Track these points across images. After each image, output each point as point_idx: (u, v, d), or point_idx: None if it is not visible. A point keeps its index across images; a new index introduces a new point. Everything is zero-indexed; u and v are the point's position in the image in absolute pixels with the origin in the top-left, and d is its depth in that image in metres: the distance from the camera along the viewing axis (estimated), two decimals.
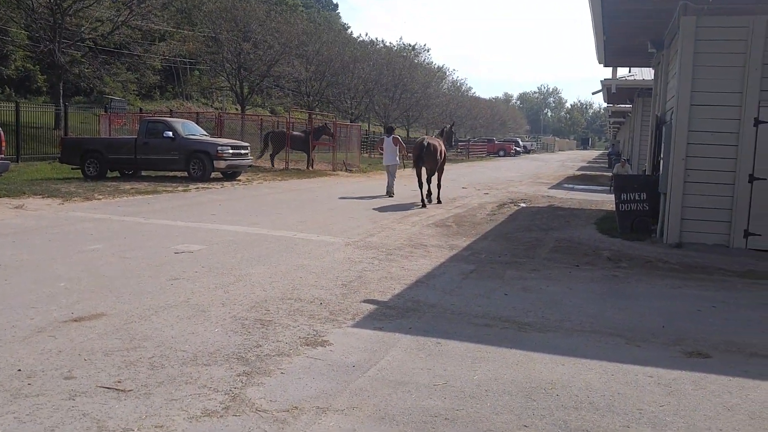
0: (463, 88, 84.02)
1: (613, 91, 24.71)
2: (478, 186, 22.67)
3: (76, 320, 5.56)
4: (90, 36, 32.43)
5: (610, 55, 16.30)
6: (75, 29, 31.56)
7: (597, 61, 16.97)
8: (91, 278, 7.10)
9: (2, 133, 14.15)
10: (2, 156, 14.08)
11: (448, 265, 8.56)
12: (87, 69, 34.64)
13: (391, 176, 18.05)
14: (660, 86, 13.81)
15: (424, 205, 15.44)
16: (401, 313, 6.13)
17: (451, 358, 4.95)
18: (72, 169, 20.27)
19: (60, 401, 3.97)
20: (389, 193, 17.61)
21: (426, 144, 15.77)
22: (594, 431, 3.82)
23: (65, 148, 20.51)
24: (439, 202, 16.31)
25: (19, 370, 4.43)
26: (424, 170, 15.83)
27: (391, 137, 18.33)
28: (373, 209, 14.47)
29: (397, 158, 18.56)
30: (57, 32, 30.04)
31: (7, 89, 37.92)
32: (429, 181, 16.02)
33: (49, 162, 23.88)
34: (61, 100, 30.89)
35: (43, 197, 14.20)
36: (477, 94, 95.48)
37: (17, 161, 23.09)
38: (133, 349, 4.89)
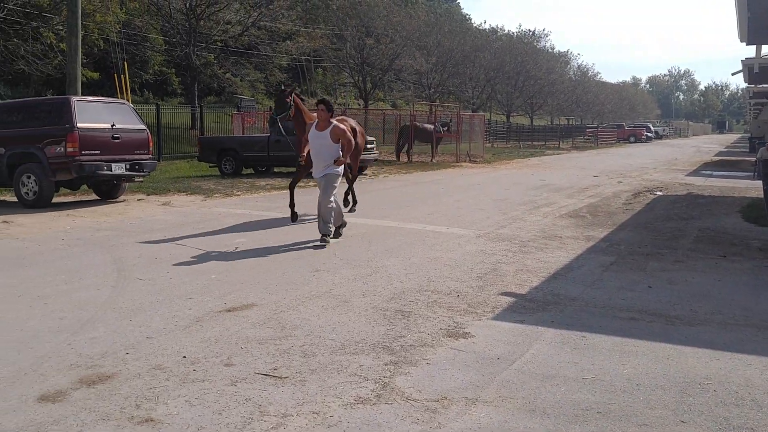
0: (590, 73, 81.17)
1: (755, 70, 22.99)
2: (610, 174, 21.88)
3: (229, 310, 5.90)
4: (221, 38, 34.02)
5: (753, 32, 15.20)
6: (208, 32, 33.21)
7: (738, 40, 15.84)
8: (239, 270, 7.51)
9: (149, 134, 15.15)
10: (150, 156, 15.07)
11: (585, 257, 8.34)
12: (219, 70, 36.39)
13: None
14: None
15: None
16: (541, 306, 6.06)
17: (598, 352, 4.85)
18: (209, 166, 21.35)
19: (223, 387, 4.23)
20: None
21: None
22: (760, 430, 3.63)
23: (203, 147, 21.58)
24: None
25: (184, 357, 4.76)
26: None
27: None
28: (501, 200, 14.32)
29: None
30: (192, 36, 31.76)
31: (146, 92, 40.61)
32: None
33: (188, 160, 25.29)
34: (196, 101, 32.65)
35: (186, 194, 15.10)
36: (603, 79, 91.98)
37: (159, 160, 24.48)
38: (284, 338, 5.14)
